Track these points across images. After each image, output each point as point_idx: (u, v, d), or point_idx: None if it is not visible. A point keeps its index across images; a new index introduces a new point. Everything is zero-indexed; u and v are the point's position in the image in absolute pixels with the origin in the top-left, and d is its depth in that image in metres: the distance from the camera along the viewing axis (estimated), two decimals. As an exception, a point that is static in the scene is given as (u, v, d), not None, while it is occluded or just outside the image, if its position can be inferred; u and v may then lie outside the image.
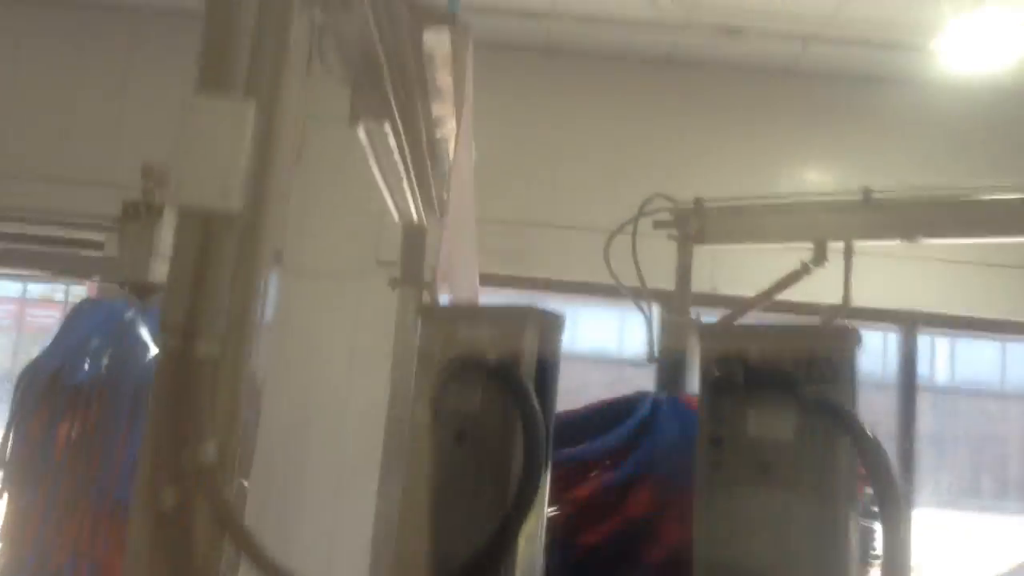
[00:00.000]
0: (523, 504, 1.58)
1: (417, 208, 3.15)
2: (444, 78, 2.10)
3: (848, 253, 3.30)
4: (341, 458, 4.29)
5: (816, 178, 5.03)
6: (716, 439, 1.68)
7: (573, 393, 6.12)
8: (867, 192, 3.24)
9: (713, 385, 1.71)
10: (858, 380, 1.70)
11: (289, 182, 1.32)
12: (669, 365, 3.25)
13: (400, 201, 2.97)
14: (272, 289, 4.27)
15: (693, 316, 3.41)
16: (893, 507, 1.54)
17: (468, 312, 1.92)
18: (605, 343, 5.93)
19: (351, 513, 3.62)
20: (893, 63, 4.82)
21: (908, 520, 1.69)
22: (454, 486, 1.70)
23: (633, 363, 3.92)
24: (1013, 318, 4.85)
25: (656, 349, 3.32)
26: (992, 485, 5.65)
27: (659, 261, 3.42)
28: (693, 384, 3.25)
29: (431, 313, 1.89)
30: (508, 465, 1.67)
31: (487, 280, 4.73)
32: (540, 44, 4.95)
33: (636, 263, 3.39)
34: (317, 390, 4.43)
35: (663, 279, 3.41)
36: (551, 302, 5.47)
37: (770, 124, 5.06)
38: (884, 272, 4.38)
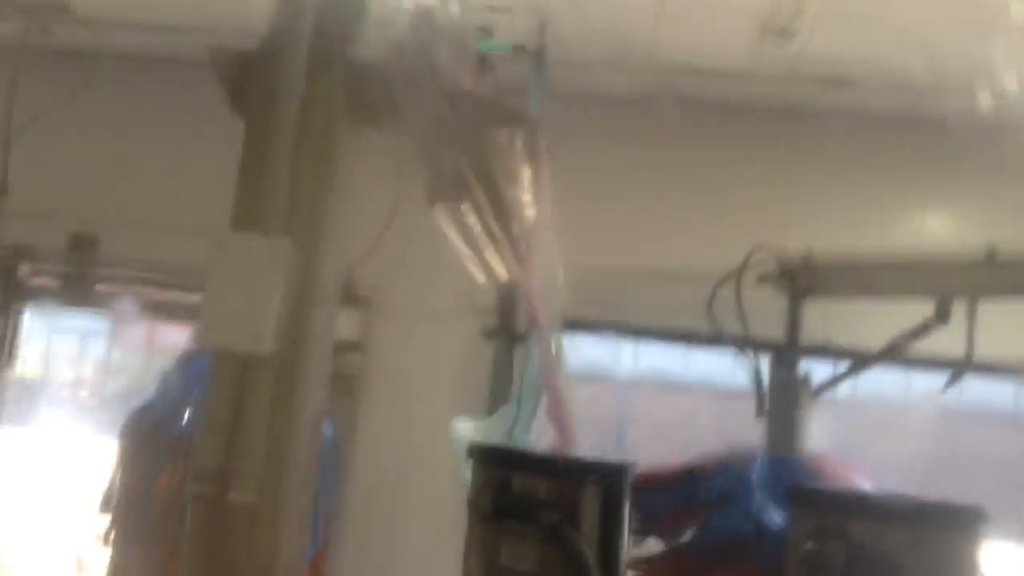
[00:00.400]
0: None
1: (508, 267, 3.13)
2: (520, 166, 2.06)
3: (972, 312, 3.07)
4: (437, 515, 4.27)
5: (932, 230, 4.73)
6: None
7: (679, 424, 5.96)
8: (991, 251, 3.03)
9: (805, 562, 1.46)
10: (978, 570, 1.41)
11: (332, 319, 1.28)
12: (779, 422, 3.11)
13: (486, 265, 2.96)
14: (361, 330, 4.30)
15: (803, 371, 3.26)
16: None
17: (523, 459, 1.81)
18: (716, 372, 5.77)
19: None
20: (1011, 109, 4.48)
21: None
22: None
23: (744, 395, 3.82)
24: None
25: (766, 403, 3.19)
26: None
27: (766, 310, 3.26)
28: (804, 442, 3.11)
29: (483, 456, 1.79)
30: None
31: (588, 326, 4.67)
32: (641, 95, 4.87)
33: (742, 317, 3.25)
34: (412, 440, 4.44)
35: (771, 328, 3.25)
36: (653, 350, 5.39)
37: (881, 174, 4.78)
38: (1016, 318, 4.06)
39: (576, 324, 4.35)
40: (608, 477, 1.68)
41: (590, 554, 1.54)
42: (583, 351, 5.69)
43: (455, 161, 1.97)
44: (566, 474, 1.65)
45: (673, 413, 5.91)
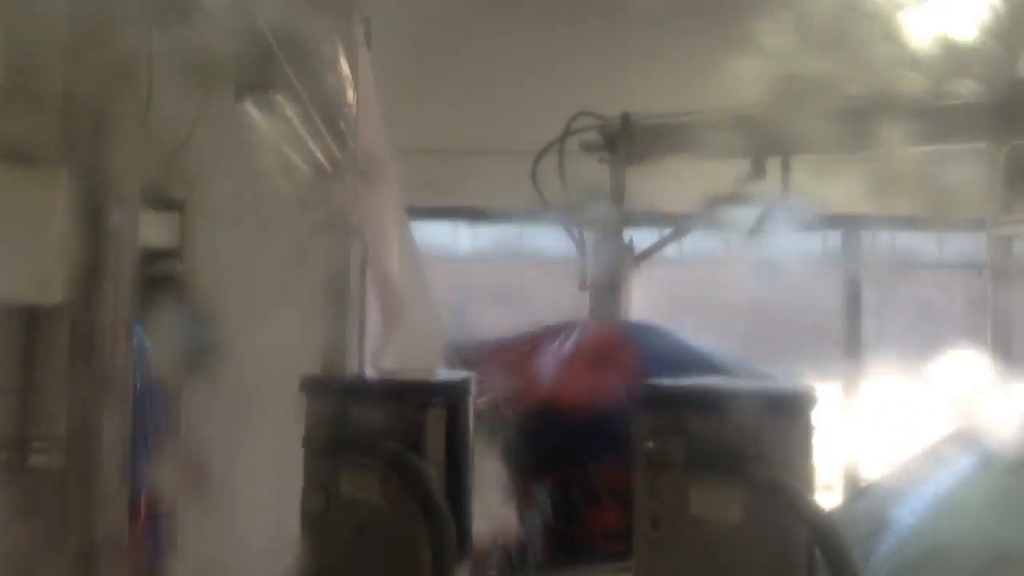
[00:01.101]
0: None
1: (332, 159, 2.96)
2: (336, 51, 1.89)
3: (786, 167, 3.17)
4: (279, 425, 4.15)
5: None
6: (655, 518, 1.47)
7: (516, 297, 6.04)
8: (804, 103, 3.09)
9: (649, 460, 1.48)
10: (812, 451, 1.48)
11: (135, 256, 1.13)
12: (602, 292, 3.13)
13: (310, 158, 2.78)
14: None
15: (627, 240, 3.28)
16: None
17: (361, 387, 1.73)
18: (550, 244, 5.80)
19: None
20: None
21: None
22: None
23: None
24: (953, 214, 4.80)
25: (588, 275, 3.20)
26: (934, 354, 5.79)
27: (594, 181, 3.26)
28: (627, 308, 3.17)
29: (318, 386, 1.70)
30: (415, 564, 1.50)
31: (420, 213, 4.54)
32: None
33: (565, 186, 3.23)
34: (245, 347, 4.25)
35: (598, 200, 3.24)
36: (486, 229, 5.37)
37: (707, 28, 4.80)
38: (824, 174, 4.27)
39: (411, 209, 4.23)
40: (449, 397, 1.63)
41: (434, 478, 1.51)
42: (420, 232, 5.62)
43: (262, 48, 1.78)
44: (405, 399, 1.60)
45: (510, 286, 6.01)
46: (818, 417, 1.50)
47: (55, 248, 1.03)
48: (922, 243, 6.14)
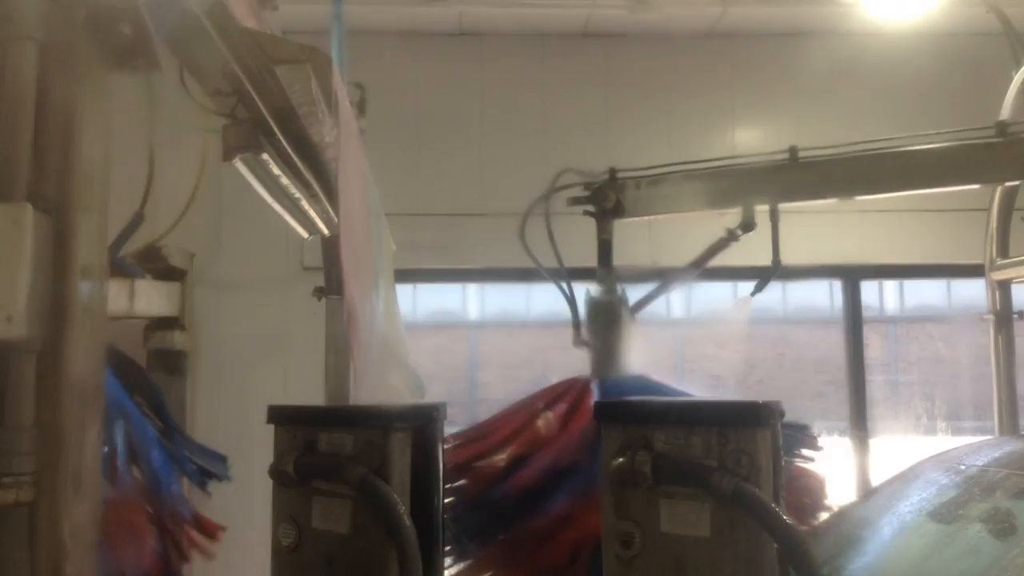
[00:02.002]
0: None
1: (328, 221, 3.01)
2: (319, 106, 1.95)
3: (775, 216, 3.18)
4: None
5: (746, 140, 4.94)
6: (625, 537, 1.44)
7: (527, 362, 6.01)
8: (793, 152, 3.11)
9: (617, 478, 1.46)
10: (779, 463, 1.47)
11: (103, 293, 1.16)
12: (599, 348, 3.11)
13: (303, 218, 2.83)
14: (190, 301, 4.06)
15: (620, 292, 3.28)
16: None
17: (326, 414, 1.75)
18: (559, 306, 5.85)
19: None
20: (814, 17, 4.75)
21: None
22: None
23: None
24: (952, 261, 4.82)
25: (581, 331, 3.18)
26: (946, 405, 5.73)
27: (589, 237, 3.28)
28: (627, 365, 3.14)
29: (283, 417, 1.71)
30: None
31: (422, 276, 4.61)
32: (454, 29, 4.81)
33: (552, 243, 3.24)
34: (249, 413, 4.29)
35: (592, 256, 3.27)
36: (497, 292, 5.37)
37: (695, 89, 4.95)
38: (823, 226, 4.32)
39: (411, 273, 4.29)
40: (415, 422, 1.63)
41: (401, 503, 1.50)
42: (430, 299, 5.67)
43: (246, 108, 1.84)
44: (371, 425, 1.60)
45: (521, 351, 6.02)
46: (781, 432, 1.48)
47: (21, 281, 1.06)
48: (930, 293, 6.14)
